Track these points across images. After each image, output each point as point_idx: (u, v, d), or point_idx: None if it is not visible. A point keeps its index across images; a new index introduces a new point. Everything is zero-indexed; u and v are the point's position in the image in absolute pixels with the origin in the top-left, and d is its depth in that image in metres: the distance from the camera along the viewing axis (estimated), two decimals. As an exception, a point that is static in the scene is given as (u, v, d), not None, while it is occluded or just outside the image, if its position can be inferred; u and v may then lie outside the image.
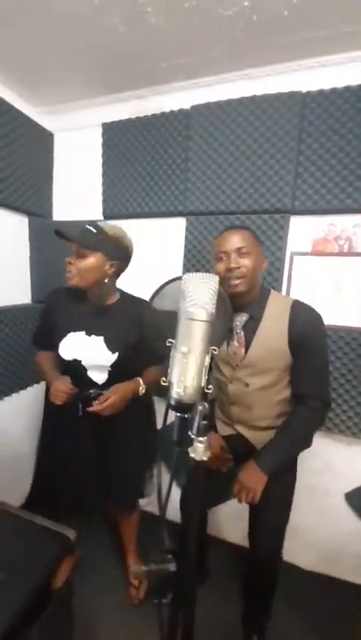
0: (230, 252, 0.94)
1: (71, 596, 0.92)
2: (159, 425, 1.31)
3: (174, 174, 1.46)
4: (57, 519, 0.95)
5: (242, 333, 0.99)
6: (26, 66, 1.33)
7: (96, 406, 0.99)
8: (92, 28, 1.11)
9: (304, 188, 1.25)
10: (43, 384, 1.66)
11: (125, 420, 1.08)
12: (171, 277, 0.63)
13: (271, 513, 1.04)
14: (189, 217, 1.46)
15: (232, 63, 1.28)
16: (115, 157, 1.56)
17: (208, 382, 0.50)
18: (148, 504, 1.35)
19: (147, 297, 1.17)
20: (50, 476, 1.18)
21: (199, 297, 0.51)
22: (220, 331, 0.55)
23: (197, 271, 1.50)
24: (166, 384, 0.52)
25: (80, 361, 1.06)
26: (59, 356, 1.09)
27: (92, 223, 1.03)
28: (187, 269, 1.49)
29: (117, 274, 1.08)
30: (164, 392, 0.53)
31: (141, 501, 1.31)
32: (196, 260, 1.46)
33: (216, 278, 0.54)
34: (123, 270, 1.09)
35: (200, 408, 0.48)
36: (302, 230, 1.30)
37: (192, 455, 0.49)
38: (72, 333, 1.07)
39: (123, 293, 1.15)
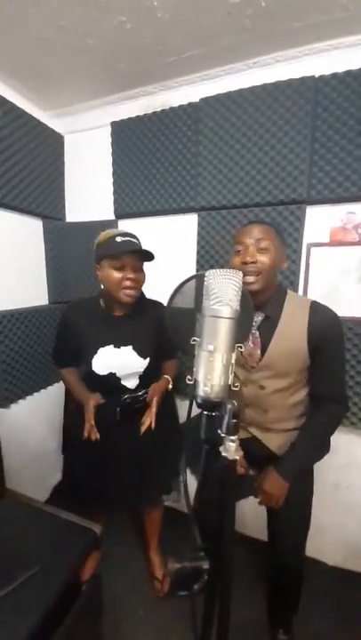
0: (248, 245, 0.89)
1: (100, 589, 0.94)
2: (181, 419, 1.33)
3: (185, 170, 1.44)
4: (82, 514, 0.97)
5: (257, 334, 0.95)
6: (35, 70, 1.34)
7: (148, 422, 1.05)
8: (100, 26, 1.11)
9: (320, 176, 1.22)
10: (62, 383, 1.70)
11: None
12: (186, 275, 0.62)
13: (291, 514, 1.02)
14: (201, 212, 1.44)
15: (241, 52, 1.25)
16: (124, 156, 1.56)
17: (234, 380, 0.50)
18: (174, 500, 1.35)
19: (159, 295, 1.19)
20: (80, 478, 1.18)
21: (224, 294, 0.50)
22: (244, 327, 0.54)
23: (211, 267, 1.49)
24: (192, 382, 0.52)
25: (115, 373, 1.07)
26: (92, 371, 1.07)
27: (131, 233, 1.02)
28: (200, 265, 1.48)
29: None
30: (182, 388, 0.53)
31: (165, 497, 1.32)
32: (209, 255, 1.45)
33: (240, 274, 0.53)
34: None
35: (229, 406, 0.48)
36: (319, 220, 1.27)
37: (224, 454, 0.49)
38: (102, 349, 1.06)
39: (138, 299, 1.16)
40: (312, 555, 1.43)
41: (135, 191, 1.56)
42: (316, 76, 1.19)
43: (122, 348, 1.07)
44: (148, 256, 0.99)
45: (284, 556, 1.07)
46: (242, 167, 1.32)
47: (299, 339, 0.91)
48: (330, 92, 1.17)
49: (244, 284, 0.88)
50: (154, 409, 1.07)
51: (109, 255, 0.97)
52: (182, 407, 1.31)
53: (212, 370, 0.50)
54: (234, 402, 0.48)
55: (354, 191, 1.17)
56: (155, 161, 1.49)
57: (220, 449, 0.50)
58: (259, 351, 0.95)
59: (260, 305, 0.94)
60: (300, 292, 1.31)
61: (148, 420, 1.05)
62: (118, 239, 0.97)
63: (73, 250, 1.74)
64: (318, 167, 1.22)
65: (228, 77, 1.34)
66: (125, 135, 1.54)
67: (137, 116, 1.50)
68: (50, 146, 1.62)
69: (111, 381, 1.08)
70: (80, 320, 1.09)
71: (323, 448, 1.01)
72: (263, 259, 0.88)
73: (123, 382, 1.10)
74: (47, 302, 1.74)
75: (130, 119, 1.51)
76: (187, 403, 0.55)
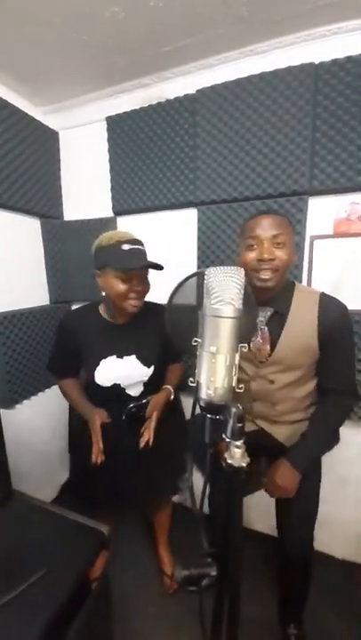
0: (263, 240, 0.83)
1: (109, 589, 0.94)
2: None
3: (183, 163, 1.42)
4: (90, 513, 0.97)
5: (266, 329, 0.93)
6: (26, 64, 1.31)
7: (147, 437, 1.02)
8: (92, 18, 1.08)
9: (322, 166, 1.19)
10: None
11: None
12: (187, 273, 0.60)
13: (301, 506, 1.02)
14: (201, 207, 1.41)
15: (237, 40, 1.21)
16: (121, 151, 1.53)
17: (238, 381, 0.48)
18: (181, 498, 1.35)
19: (159, 294, 1.17)
20: (87, 485, 1.16)
21: (225, 292, 0.48)
22: (247, 326, 0.52)
23: (212, 262, 1.47)
24: (194, 384, 0.51)
25: (119, 384, 1.04)
26: (94, 383, 1.03)
27: (137, 239, 0.96)
28: (201, 261, 1.46)
29: None
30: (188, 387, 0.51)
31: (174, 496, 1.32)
32: (210, 250, 1.43)
33: (242, 271, 0.51)
34: None
35: (234, 410, 0.46)
36: (322, 212, 1.24)
37: (230, 461, 0.47)
38: (104, 361, 1.01)
39: None
40: (321, 548, 1.43)
41: (133, 187, 1.53)
42: (316, 62, 1.15)
43: (125, 357, 1.03)
44: (158, 268, 0.93)
45: (294, 548, 1.07)
46: (241, 159, 1.29)
47: (309, 333, 0.89)
48: (330, 79, 1.14)
49: (260, 280, 0.85)
50: (153, 424, 1.04)
51: (117, 268, 0.90)
52: (187, 402, 1.30)
53: (214, 372, 0.49)
54: (238, 405, 0.46)
55: (358, 181, 1.15)
56: (152, 155, 1.47)
57: (226, 455, 0.48)
58: (268, 346, 0.93)
59: (269, 300, 0.92)
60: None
61: (147, 435, 1.02)
62: (125, 247, 0.90)
63: (72, 248, 1.73)
64: (320, 157, 1.19)
65: (224, 67, 1.30)
66: (121, 130, 1.51)
67: (133, 110, 1.47)
68: (45, 143, 1.59)
69: (117, 391, 1.05)
70: (79, 330, 1.04)
71: (333, 438, 1.00)
72: (280, 254, 0.83)
73: (127, 391, 1.07)
74: (48, 302, 1.73)
75: (125, 113, 1.48)
76: (191, 399, 0.54)
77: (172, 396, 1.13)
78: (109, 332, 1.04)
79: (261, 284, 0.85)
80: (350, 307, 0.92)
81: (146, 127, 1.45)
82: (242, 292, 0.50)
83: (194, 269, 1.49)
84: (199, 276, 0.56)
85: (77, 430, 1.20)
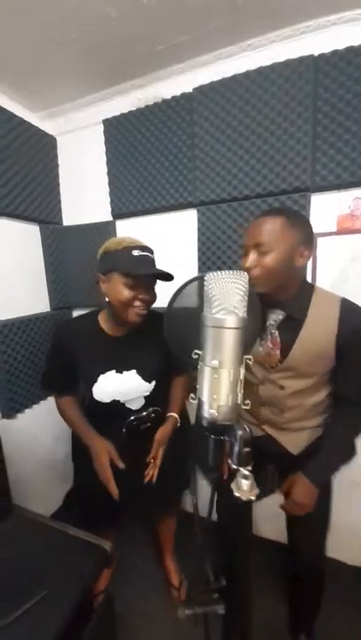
0: (248, 249, 0.82)
1: (113, 605, 0.91)
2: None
3: (181, 164, 1.39)
4: (92, 528, 0.94)
5: (276, 333, 0.88)
6: (19, 69, 1.30)
7: (152, 473, 1.00)
8: (84, 18, 1.06)
9: (324, 161, 1.14)
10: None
11: None
12: (189, 275, 0.56)
13: (313, 514, 0.97)
14: (201, 207, 1.38)
15: (233, 34, 1.18)
16: (118, 154, 1.51)
17: (244, 397, 0.43)
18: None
19: (161, 297, 1.13)
20: (90, 504, 1.12)
21: (227, 300, 0.44)
22: (251, 334, 0.47)
23: (213, 264, 1.43)
24: (195, 401, 0.46)
25: (119, 400, 0.99)
26: (92, 399, 0.98)
27: (147, 247, 0.93)
28: (202, 263, 1.42)
29: None
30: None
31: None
32: (211, 252, 1.39)
33: (245, 275, 0.46)
34: None
35: (240, 432, 0.41)
36: (325, 208, 1.20)
37: (236, 494, 0.41)
38: (102, 376, 0.96)
39: None
40: (331, 554, 1.38)
41: (131, 190, 1.51)
42: (316, 54, 1.11)
43: (125, 372, 0.97)
44: (168, 279, 0.89)
45: (306, 556, 1.03)
46: (241, 157, 1.26)
47: (326, 341, 0.84)
48: (331, 71, 1.10)
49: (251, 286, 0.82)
50: (158, 461, 1.00)
51: (126, 273, 0.86)
52: (191, 407, 1.26)
53: (217, 388, 0.43)
54: (245, 427, 0.41)
55: (361, 175, 1.10)
56: (150, 157, 1.44)
57: (232, 486, 0.42)
58: (278, 352, 0.88)
59: (281, 303, 0.86)
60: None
61: (152, 472, 0.99)
62: (136, 253, 0.86)
63: (72, 253, 1.71)
64: (322, 152, 1.15)
65: (221, 63, 1.27)
66: (118, 132, 1.48)
67: (129, 112, 1.44)
68: (43, 148, 1.58)
69: (116, 406, 1.00)
70: (76, 342, 0.97)
71: (351, 452, 0.97)
72: (265, 261, 0.79)
73: (128, 405, 1.02)
74: (49, 309, 1.71)
75: (122, 115, 1.46)
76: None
77: (179, 423, 1.09)
78: (108, 344, 0.98)
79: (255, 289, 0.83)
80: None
81: (143, 128, 1.43)
82: (245, 298, 0.45)
83: (195, 272, 1.45)
84: (199, 281, 0.52)
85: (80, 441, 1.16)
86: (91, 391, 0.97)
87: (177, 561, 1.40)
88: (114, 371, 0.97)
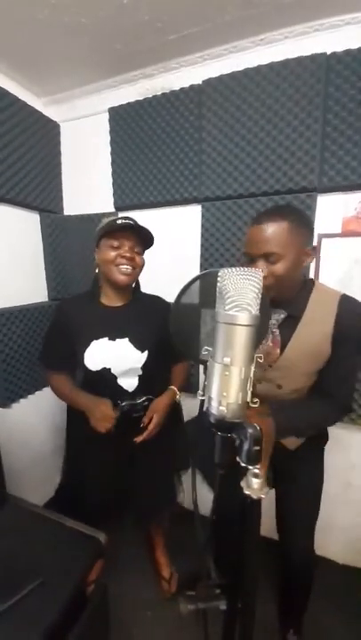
0: (256, 259, 0.78)
1: (106, 595, 0.92)
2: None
3: (187, 158, 1.37)
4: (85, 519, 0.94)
5: (277, 332, 0.87)
6: (27, 54, 1.26)
7: (145, 435, 0.99)
8: (96, 4, 1.03)
9: (333, 162, 1.14)
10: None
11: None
12: (190, 271, 0.56)
13: (303, 510, 1.00)
14: (205, 203, 1.37)
15: (246, 28, 1.16)
16: (123, 144, 1.48)
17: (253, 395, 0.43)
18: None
19: (162, 291, 1.13)
20: (78, 488, 1.11)
21: (241, 297, 0.43)
22: (261, 332, 0.47)
23: (216, 261, 1.42)
24: (203, 397, 0.46)
25: (109, 369, 0.99)
26: (85, 367, 0.99)
27: (132, 218, 1.00)
28: (204, 259, 1.42)
29: None
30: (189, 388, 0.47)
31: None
32: (214, 248, 1.38)
33: (260, 272, 0.46)
34: None
35: (250, 431, 0.41)
36: (331, 209, 1.20)
37: (246, 492, 0.41)
38: (95, 342, 0.98)
39: (133, 291, 1.09)
40: (322, 553, 1.41)
41: (135, 181, 1.49)
42: (328, 52, 1.10)
43: (117, 340, 1.00)
44: (148, 239, 0.98)
45: (296, 553, 1.04)
46: (248, 153, 1.25)
47: (323, 339, 0.83)
48: (343, 70, 1.09)
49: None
50: (151, 427, 1.00)
51: (106, 233, 0.96)
52: (186, 403, 1.25)
53: (228, 386, 0.43)
54: (256, 425, 0.41)
55: (369, 177, 1.10)
56: (155, 149, 1.42)
57: (242, 483, 0.42)
58: (278, 350, 0.87)
59: (283, 302, 0.86)
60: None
61: (146, 434, 1.00)
62: (119, 221, 0.97)
63: (72, 244, 1.68)
64: (330, 152, 1.14)
65: (232, 56, 1.25)
66: (124, 122, 1.46)
67: (136, 101, 1.42)
68: (46, 135, 1.54)
69: (107, 379, 1.00)
70: (72, 314, 1.04)
71: (316, 424, 0.94)
72: (276, 268, 0.77)
73: (120, 382, 1.01)
74: (47, 299, 1.69)
75: (128, 104, 1.43)
76: (192, 399, 0.49)
77: (179, 398, 1.10)
78: (104, 313, 1.03)
79: None
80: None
81: (149, 119, 1.40)
82: (259, 296, 0.45)
83: (197, 267, 1.45)
84: (206, 277, 0.51)
85: (74, 435, 1.16)
86: (83, 357, 0.98)
87: (168, 554, 1.41)
88: (107, 338, 1.00)
